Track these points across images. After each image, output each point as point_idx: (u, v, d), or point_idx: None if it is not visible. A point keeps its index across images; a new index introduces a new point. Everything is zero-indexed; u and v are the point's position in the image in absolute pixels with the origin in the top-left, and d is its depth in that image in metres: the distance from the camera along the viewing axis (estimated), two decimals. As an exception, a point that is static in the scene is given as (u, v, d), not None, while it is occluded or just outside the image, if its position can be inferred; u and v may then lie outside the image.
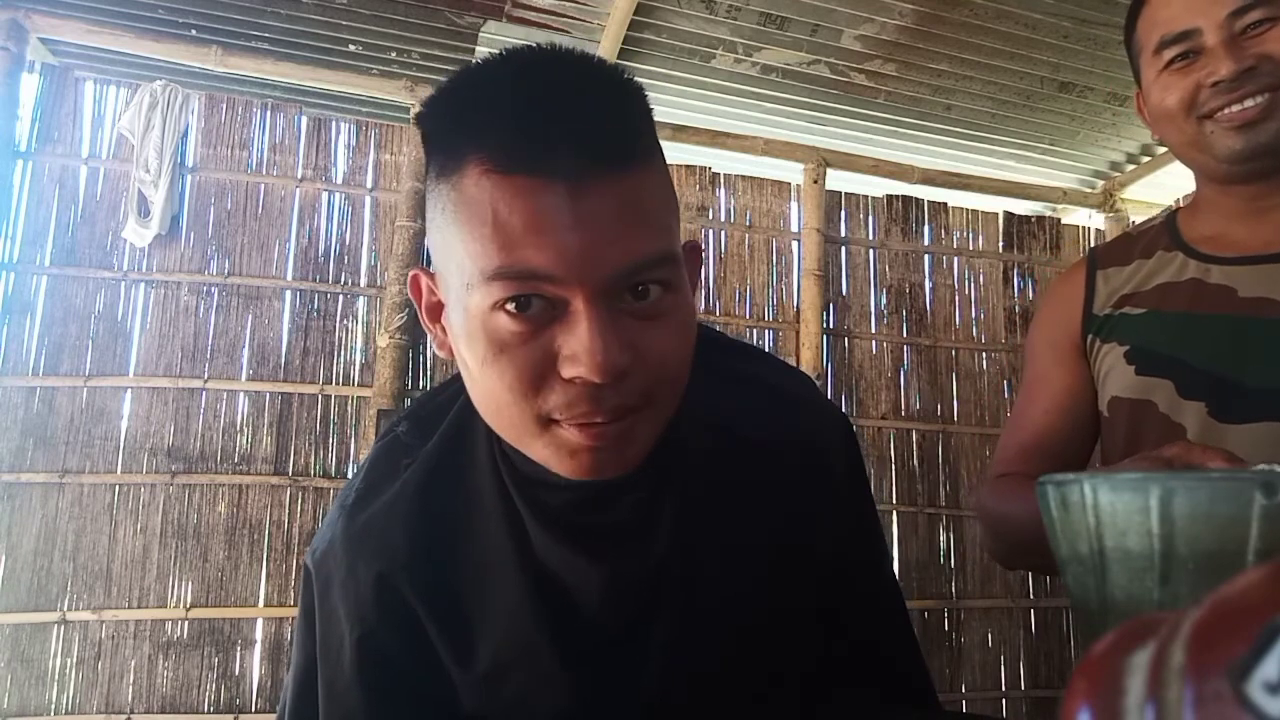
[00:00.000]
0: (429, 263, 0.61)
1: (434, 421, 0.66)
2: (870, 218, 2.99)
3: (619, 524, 0.60)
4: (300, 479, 2.36)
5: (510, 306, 0.49)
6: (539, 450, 0.54)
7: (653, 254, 0.50)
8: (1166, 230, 0.97)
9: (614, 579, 0.59)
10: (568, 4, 2.38)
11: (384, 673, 0.60)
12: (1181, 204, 1.01)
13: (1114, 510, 0.50)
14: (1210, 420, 0.84)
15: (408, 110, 2.60)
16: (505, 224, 0.48)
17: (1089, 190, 3.28)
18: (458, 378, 0.62)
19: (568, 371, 0.49)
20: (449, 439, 0.64)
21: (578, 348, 0.48)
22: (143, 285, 2.34)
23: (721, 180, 2.85)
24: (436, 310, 0.57)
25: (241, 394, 2.37)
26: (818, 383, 2.75)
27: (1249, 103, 0.83)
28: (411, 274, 0.59)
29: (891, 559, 0.78)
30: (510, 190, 0.48)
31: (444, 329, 0.56)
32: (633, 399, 0.51)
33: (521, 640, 0.60)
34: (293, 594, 2.30)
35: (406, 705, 0.60)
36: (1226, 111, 0.85)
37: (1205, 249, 0.91)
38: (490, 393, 0.52)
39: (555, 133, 0.48)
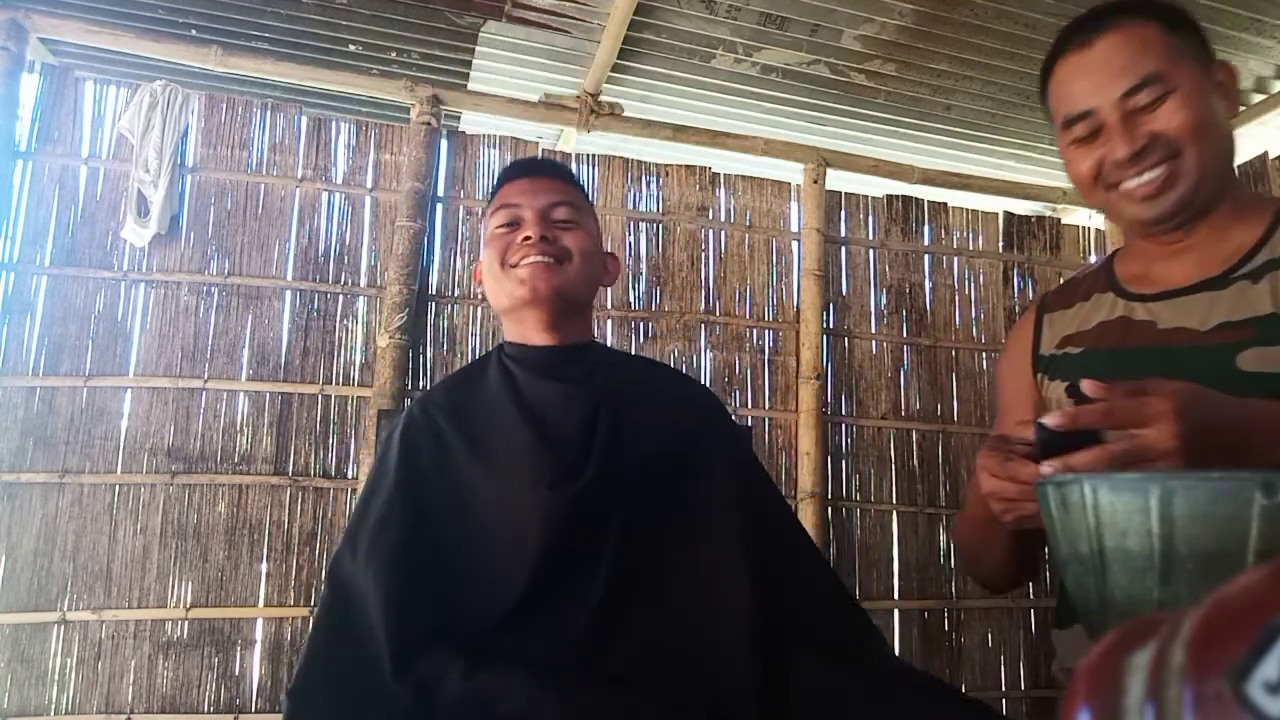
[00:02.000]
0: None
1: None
2: (870, 218, 2.99)
3: (572, 373, 1.06)
4: (300, 479, 2.36)
5: (503, 226, 1.09)
6: (509, 285, 1.06)
7: (563, 200, 1.11)
8: (1103, 273, 1.09)
9: (568, 397, 1.03)
10: (567, 4, 2.38)
11: (414, 453, 0.98)
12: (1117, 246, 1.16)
13: (1114, 510, 0.50)
14: None
15: (408, 110, 2.60)
16: (506, 191, 1.12)
17: (1089, 190, 3.28)
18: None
19: (519, 237, 1.06)
20: (473, 361, 1.17)
21: (528, 229, 1.06)
22: (143, 285, 2.34)
23: (721, 180, 2.85)
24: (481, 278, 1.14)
25: (241, 394, 2.37)
26: (817, 382, 2.75)
27: (1148, 176, 0.93)
28: (475, 266, 1.17)
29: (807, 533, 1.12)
30: (511, 180, 1.14)
31: (480, 280, 1.13)
32: (555, 251, 1.06)
33: (510, 431, 0.99)
34: (293, 594, 2.30)
35: (426, 489, 0.97)
36: (1127, 185, 0.94)
37: (1133, 288, 1.03)
38: (490, 264, 1.09)
39: (530, 164, 1.20)
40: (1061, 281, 1.22)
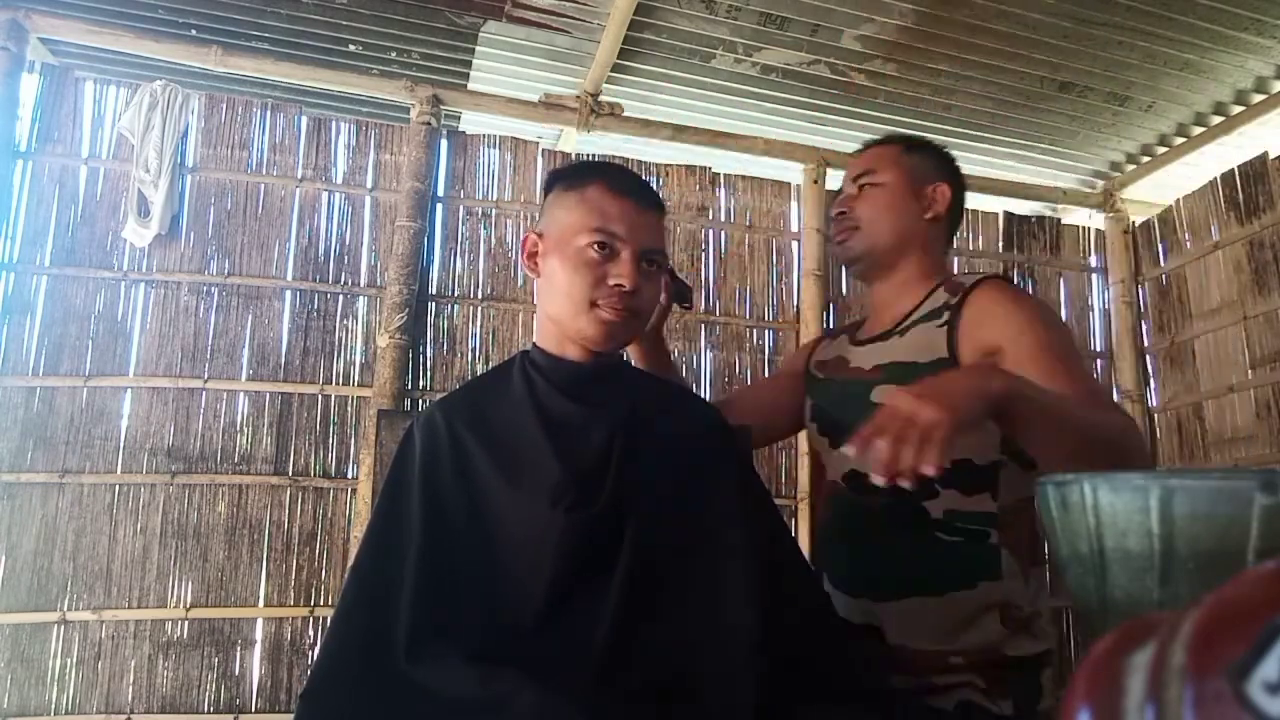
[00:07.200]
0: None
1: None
2: (870, 218, 2.98)
3: (593, 396, 1.06)
4: (300, 479, 2.36)
5: (596, 246, 1.02)
6: (582, 321, 1.03)
7: (658, 248, 1.08)
8: (855, 324, 1.50)
9: (588, 420, 1.03)
10: (568, 4, 2.37)
11: (435, 457, 1.00)
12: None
13: (1114, 510, 0.50)
14: (830, 449, 1.37)
15: (408, 110, 2.60)
16: (607, 211, 1.04)
17: (1089, 190, 3.28)
18: None
19: (612, 280, 1.02)
20: (495, 367, 1.16)
21: (623, 271, 1.02)
22: (143, 285, 2.34)
23: (721, 180, 2.85)
24: (533, 253, 1.09)
25: (241, 394, 2.37)
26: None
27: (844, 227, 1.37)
28: (527, 235, 1.10)
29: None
30: (615, 198, 1.05)
31: (535, 263, 1.09)
32: (634, 304, 1.04)
33: (530, 446, 1.00)
34: (293, 594, 2.30)
35: (446, 494, 0.99)
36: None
37: (859, 334, 1.42)
38: (571, 286, 1.02)
39: (642, 189, 1.09)
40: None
